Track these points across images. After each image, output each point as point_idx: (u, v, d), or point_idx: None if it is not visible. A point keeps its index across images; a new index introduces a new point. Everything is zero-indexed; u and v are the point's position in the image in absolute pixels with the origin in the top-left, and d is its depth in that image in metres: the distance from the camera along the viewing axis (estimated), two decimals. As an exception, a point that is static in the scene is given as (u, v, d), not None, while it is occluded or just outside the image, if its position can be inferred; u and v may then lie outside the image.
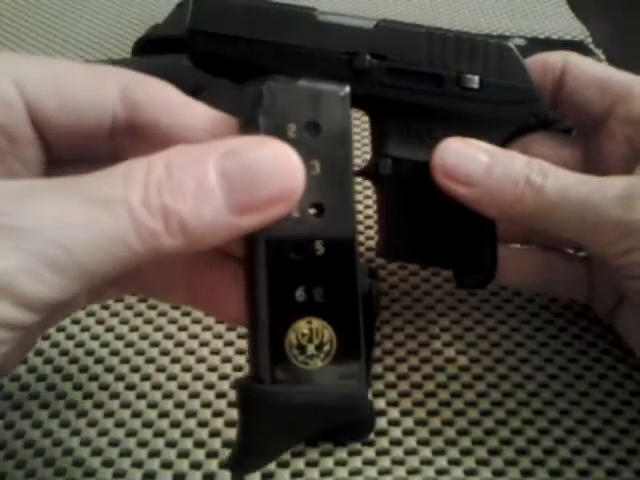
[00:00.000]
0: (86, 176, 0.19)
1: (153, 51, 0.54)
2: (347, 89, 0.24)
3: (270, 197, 0.20)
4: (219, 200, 0.20)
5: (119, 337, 0.34)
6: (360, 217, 0.42)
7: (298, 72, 0.29)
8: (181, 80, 0.49)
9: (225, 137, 0.21)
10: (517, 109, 0.30)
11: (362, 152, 0.47)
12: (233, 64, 0.29)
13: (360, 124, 0.48)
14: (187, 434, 0.30)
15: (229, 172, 0.20)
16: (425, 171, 0.29)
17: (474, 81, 0.30)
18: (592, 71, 0.31)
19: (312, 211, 0.23)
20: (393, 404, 0.31)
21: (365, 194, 0.44)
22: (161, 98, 0.24)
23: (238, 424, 0.23)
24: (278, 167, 0.20)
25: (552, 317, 0.35)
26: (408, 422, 0.30)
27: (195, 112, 0.24)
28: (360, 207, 0.43)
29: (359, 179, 0.39)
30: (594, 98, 0.31)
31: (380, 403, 0.31)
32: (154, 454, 0.29)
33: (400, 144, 0.31)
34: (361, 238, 0.40)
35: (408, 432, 0.30)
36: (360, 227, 0.41)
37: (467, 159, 0.28)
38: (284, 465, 0.28)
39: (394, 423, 0.30)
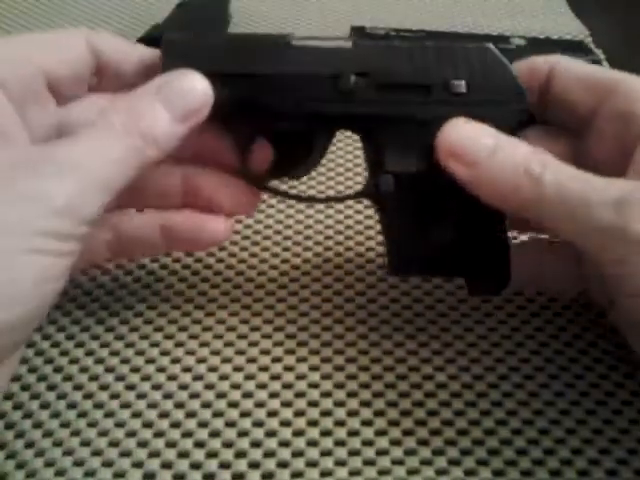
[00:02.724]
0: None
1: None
2: None
3: (194, 108, 0.28)
4: (166, 116, 0.28)
5: (119, 337, 0.34)
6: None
7: (284, 100, 0.30)
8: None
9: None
10: (506, 107, 0.30)
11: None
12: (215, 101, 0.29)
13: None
14: (187, 434, 0.30)
15: (166, 97, 0.28)
16: (428, 182, 0.30)
17: (461, 85, 0.30)
18: (578, 72, 0.31)
19: None
20: (392, 404, 0.31)
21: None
22: (114, 44, 0.31)
23: None
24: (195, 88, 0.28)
25: (552, 317, 0.35)
26: (408, 422, 0.30)
27: (139, 50, 0.32)
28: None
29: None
30: (580, 99, 0.30)
31: (379, 403, 0.31)
32: (154, 454, 0.29)
33: (399, 159, 0.31)
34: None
35: (408, 432, 0.30)
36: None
37: (473, 139, 0.28)
38: (284, 465, 0.28)
39: (394, 423, 0.30)
